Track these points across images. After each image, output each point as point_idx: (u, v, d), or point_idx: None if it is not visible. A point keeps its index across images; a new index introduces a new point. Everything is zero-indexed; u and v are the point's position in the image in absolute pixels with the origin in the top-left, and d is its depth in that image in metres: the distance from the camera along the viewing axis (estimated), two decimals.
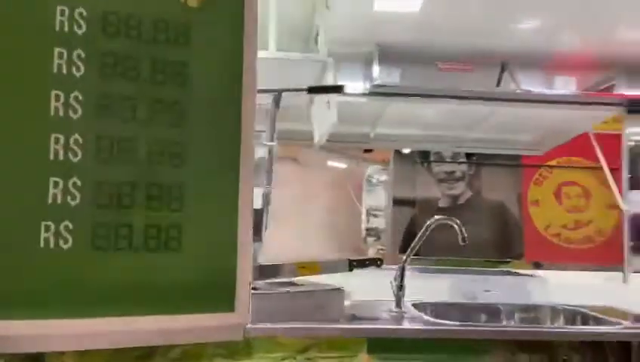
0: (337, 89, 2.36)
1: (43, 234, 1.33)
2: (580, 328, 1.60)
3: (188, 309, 1.43)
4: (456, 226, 1.89)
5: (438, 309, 1.84)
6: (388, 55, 3.15)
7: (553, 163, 5.00)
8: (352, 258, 2.22)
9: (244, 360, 1.45)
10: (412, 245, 1.91)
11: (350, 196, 5.37)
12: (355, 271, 2.00)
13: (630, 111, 3.35)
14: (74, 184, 1.36)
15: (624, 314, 1.78)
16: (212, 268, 1.46)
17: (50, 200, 1.34)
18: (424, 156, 4.78)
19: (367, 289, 2.13)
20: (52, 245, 1.33)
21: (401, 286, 1.80)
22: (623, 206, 3.30)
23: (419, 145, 3.86)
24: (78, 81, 1.37)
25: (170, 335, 1.42)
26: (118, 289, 1.39)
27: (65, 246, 1.34)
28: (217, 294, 1.46)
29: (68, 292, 1.35)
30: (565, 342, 1.49)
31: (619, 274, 3.33)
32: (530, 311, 1.95)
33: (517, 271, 3.54)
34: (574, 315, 1.87)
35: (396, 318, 1.69)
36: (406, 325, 1.56)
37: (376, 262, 2.21)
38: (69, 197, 1.35)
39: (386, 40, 3.08)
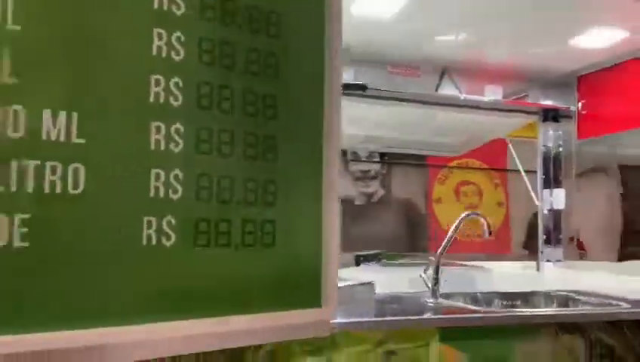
0: (361, 87, 2.37)
1: (145, 231, 1.22)
2: (610, 310, 1.81)
3: (278, 306, 1.40)
4: (484, 221, 2.03)
5: (464, 298, 1.97)
6: (343, 54, 3.21)
7: (453, 164, 5.44)
8: (358, 253, 2.28)
9: (332, 354, 1.45)
10: (444, 242, 2.02)
11: None
12: None
13: (544, 120, 3.78)
14: (175, 176, 1.26)
15: (606, 296, 2.05)
16: (301, 264, 1.43)
17: (152, 194, 1.23)
18: (342, 155, 4.93)
19: None
20: (154, 242, 1.23)
21: (437, 279, 1.90)
22: (537, 202, 3.70)
23: (359, 146, 3.98)
24: (177, 65, 1.27)
25: (261, 334, 1.37)
26: (214, 289, 1.31)
27: (167, 244, 1.25)
28: (306, 290, 1.44)
29: (167, 293, 1.25)
30: (595, 323, 1.69)
31: (532, 263, 3.75)
32: (533, 296, 2.16)
33: (461, 262, 3.80)
34: (567, 299, 2.11)
35: (446, 308, 1.78)
36: (472, 314, 1.65)
37: (377, 257, 2.29)
38: (170, 191, 1.25)
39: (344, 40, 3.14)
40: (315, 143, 1.47)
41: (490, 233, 2.02)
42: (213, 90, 1.32)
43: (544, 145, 3.77)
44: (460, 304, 1.82)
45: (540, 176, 3.76)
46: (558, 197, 3.71)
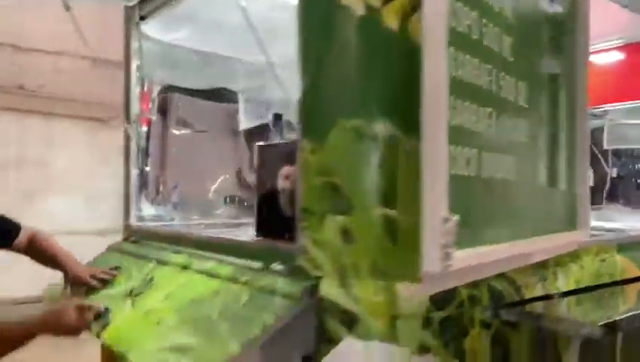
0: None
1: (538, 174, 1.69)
2: None
3: (558, 229, 1.91)
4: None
5: None
6: None
7: None
8: None
9: (577, 262, 2.04)
10: None
11: None
12: None
13: None
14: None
15: None
16: (567, 200, 1.95)
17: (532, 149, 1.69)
18: None
19: None
20: (538, 181, 1.70)
21: None
22: None
23: None
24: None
25: (554, 249, 1.90)
26: (544, 216, 1.80)
27: (536, 184, 1.72)
28: (570, 218, 1.97)
29: (536, 220, 1.72)
30: None
31: None
32: None
33: None
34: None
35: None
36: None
37: None
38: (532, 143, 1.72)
39: None
40: (573, 108, 1.99)
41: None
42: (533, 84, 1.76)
43: None
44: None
45: None
46: None
